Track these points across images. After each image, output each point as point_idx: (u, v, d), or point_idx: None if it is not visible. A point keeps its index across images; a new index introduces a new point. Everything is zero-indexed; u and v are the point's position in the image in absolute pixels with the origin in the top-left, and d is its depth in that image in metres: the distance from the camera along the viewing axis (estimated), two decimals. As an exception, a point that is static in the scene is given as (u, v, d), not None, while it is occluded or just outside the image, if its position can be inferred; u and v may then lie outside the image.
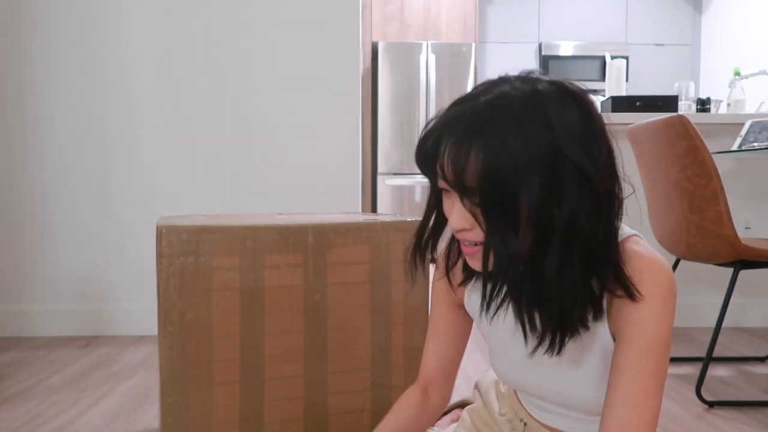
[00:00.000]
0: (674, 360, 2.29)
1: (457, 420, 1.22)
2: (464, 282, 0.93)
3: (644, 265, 0.75)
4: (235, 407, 1.27)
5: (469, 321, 1.01)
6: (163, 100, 2.59)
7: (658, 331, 0.75)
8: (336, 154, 2.63)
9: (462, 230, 0.76)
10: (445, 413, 1.42)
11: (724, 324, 1.93)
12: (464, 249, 0.79)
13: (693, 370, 2.16)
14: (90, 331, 2.58)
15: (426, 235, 0.87)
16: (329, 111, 2.62)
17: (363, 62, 5.04)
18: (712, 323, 1.91)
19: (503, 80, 0.75)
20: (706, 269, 2.64)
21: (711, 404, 1.82)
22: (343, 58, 2.62)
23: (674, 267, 2.28)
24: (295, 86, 2.61)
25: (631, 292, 0.75)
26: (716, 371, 2.16)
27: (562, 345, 0.77)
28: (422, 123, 5.06)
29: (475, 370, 2.07)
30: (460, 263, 0.92)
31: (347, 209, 2.61)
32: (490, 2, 5.73)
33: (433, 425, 1.14)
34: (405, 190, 5.10)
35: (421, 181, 5.08)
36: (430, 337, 1.03)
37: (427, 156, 0.77)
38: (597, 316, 0.78)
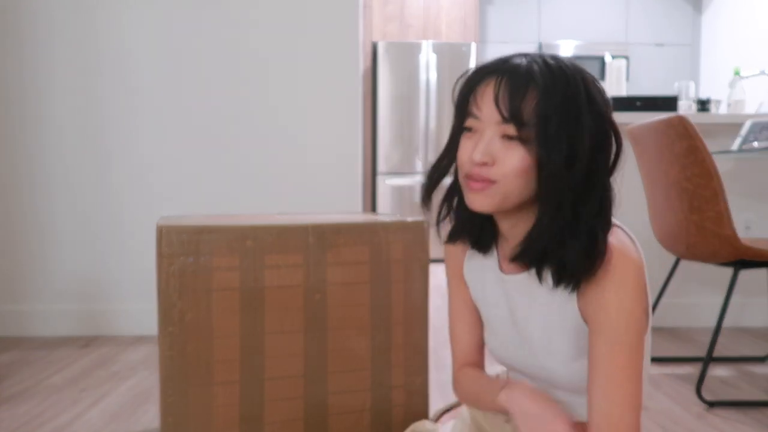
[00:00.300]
0: (674, 360, 2.29)
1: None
2: (451, 239, 0.99)
3: (613, 255, 0.81)
4: (235, 407, 1.27)
5: None
6: (163, 100, 2.59)
7: (627, 322, 0.80)
8: (336, 154, 2.63)
9: (483, 164, 0.83)
10: (448, 410, 1.42)
11: (724, 324, 1.93)
12: (472, 185, 0.84)
13: (693, 370, 2.16)
14: (90, 331, 2.58)
15: (437, 174, 0.94)
16: (329, 111, 2.62)
17: (363, 62, 5.04)
18: (712, 323, 1.91)
19: (537, 53, 0.87)
20: (706, 269, 2.64)
21: (711, 404, 1.82)
22: (343, 58, 2.62)
23: (674, 267, 2.28)
24: (295, 86, 2.61)
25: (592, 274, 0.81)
26: (716, 371, 2.16)
27: (580, 280, 0.82)
28: (422, 123, 5.06)
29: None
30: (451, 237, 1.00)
31: (347, 209, 2.61)
32: (490, 2, 5.73)
33: (436, 421, 1.15)
34: (405, 190, 5.10)
35: (420, 180, 5.08)
36: (455, 317, 1.07)
37: (470, 92, 0.86)
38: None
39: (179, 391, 1.24)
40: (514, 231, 0.89)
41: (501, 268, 0.96)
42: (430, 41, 5.07)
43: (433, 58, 5.03)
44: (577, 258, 0.80)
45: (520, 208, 0.86)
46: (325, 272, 1.32)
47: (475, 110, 0.85)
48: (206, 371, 1.25)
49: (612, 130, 0.84)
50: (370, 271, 1.35)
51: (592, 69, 5.46)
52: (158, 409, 1.47)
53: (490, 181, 0.83)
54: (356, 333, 1.35)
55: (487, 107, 0.83)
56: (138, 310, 2.57)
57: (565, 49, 5.58)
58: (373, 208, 5.13)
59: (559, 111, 0.79)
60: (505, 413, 0.91)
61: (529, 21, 5.74)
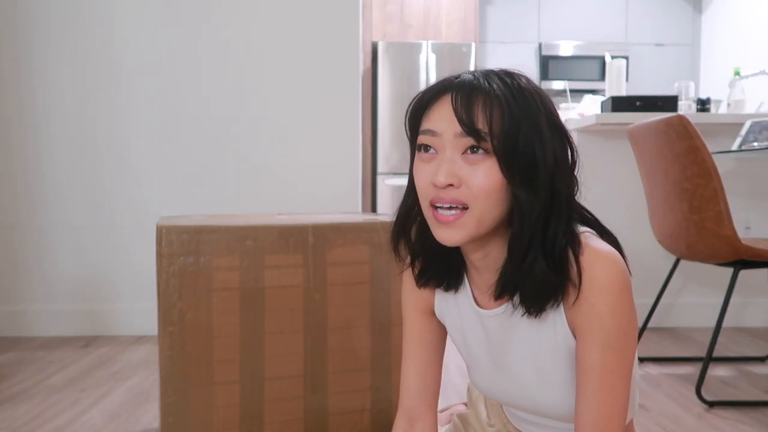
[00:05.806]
0: (674, 360, 2.29)
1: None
2: (419, 283, 0.91)
3: (597, 258, 0.77)
4: (235, 407, 1.27)
5: (442, 332, 0.98)
6: (162, 100, 2.59)
7: (617, 325, 0.76)
8: (336, 154, 2.63)
9: (448, 186, 0.75)
10: (446, 408, 1.42)
11: (724, 324, 1.92)
12: (440, 217, 0.76)
13: (693, 370, 2.16)
14: (90, 331, 2.58)
15: (406, 215, 0.87)
16: (329, 111, 2.62)
17: (363, 62, 5.04)
18: (712, 323, 1.91)
19: (489, 69, 0.81)
20: (706, 269, 2.64)
21: (711, 404, 1.82)
22: (343, 58, 2.62)
23: (674, 267, 2.28)
24: (295, 86, 2.61)
25: (578, 282, 0.76)
26: (716, 371, 2.16)
27: (542, 305, 0.78)
28: (422, 123, 5.06)
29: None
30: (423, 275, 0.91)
31: (347, 209, 2.61)
32: (490, 2, 5.73)
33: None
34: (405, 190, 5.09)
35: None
36: (407, 352, 0.98)
37: (424, 110, 0.80)
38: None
39: (179, 391, 1.24)
40: (486, 261, 0.83)
41: (477, 303, 0.88)
42: (430, 41, 5.07)
43: (432, 59, 5.03)
44: (548, 279, 0.76)
45: (490, 235, 0.79)
46: (325, 272, 1.32)
47: (430, 125, 0.77)
48: (206, 371, 1.25)
49: (569, 143, 0.80)
50: (369, 271, 1.35)
51: (592, 69, 5.48)
52: (158, 409, 1.47)
53: (462, 207, 0.75)
54: (356, 333, 1.35)
55: (444, 120, 0.76)
56: (138, 310, 2.57)
57: (565, 49, 5.58)
58: (373, 208, 5.13)
59: (521, 124, 0.74)
60: None
61: (529, 21, 5.74)
